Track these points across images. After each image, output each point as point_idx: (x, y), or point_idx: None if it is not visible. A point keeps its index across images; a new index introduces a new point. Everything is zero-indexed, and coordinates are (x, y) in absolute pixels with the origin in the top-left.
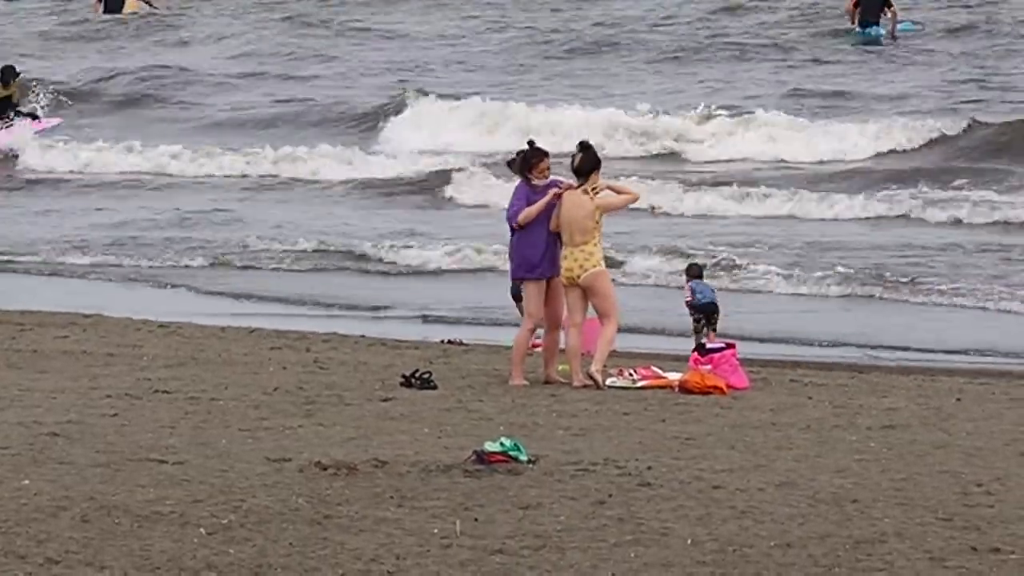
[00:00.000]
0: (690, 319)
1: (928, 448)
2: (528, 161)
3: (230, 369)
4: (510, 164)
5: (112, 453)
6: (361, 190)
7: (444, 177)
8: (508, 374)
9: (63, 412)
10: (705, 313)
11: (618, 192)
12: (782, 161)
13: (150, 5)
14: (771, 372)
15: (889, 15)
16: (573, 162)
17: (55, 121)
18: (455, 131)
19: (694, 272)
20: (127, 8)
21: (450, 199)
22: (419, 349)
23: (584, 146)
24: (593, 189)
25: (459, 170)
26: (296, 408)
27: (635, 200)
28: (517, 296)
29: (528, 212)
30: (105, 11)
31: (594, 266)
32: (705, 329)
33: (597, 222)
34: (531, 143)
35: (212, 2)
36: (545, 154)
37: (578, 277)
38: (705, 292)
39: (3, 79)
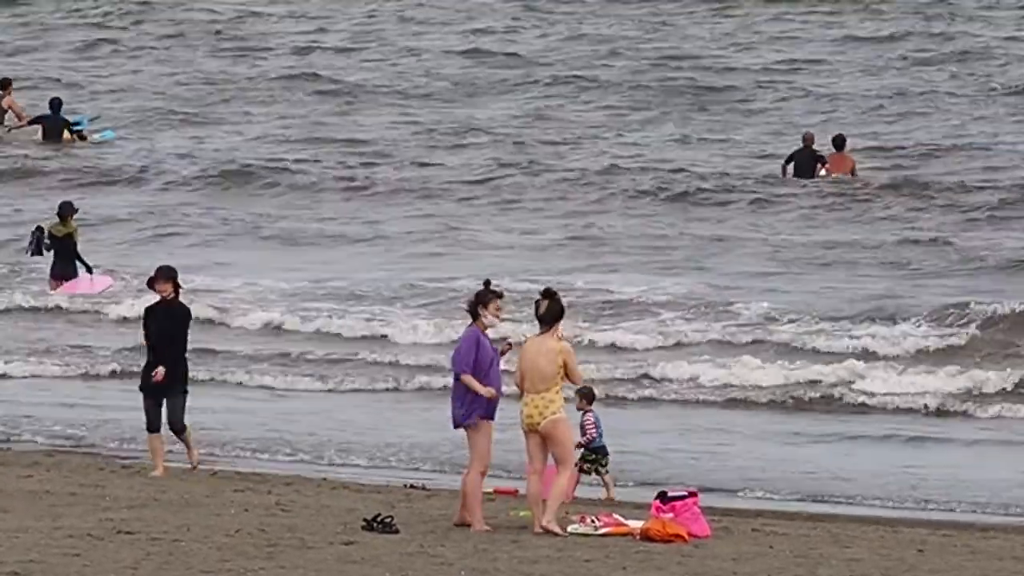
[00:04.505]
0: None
1: None
2: (481, 300)
3: (192, 511)
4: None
5: None
6: None
7: None
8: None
9: (24, 551)
10: (600, 453)
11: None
12: None
13: (81, 139)
14: (733, 520)
15: (823, 171)
16: (537, 310)
17: (105, 283)
18: None
19: (590, 398)
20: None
21: None
22: (381, 493)
23: (548, 294)
24: (557, 336)
25: None
26: (257, 551)
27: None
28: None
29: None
30: (44, 138)
31: (554, 413)
32: (601, 470)
33: (559, 367)
34: (487, 283)
35: None
36: (499, 296)
37: (538, 424)
38: (600, 427)
39: (60, 214)
